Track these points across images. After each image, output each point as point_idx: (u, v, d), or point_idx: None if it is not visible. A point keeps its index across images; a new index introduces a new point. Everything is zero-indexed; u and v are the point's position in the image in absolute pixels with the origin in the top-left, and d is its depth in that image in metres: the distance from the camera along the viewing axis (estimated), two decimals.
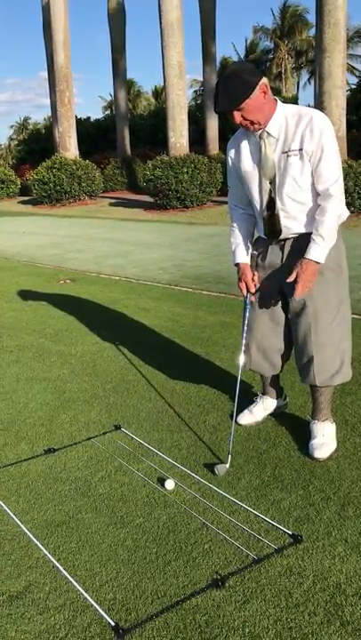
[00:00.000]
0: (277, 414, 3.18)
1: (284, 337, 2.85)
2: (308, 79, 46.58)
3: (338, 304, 2.67)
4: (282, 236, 2.67)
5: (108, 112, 49.94)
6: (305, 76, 47.48)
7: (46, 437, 3.11)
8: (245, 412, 3.13)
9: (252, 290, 2.76)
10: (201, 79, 25.62)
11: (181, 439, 3.00)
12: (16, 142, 55.98)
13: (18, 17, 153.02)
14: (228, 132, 23.80)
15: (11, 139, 68.20)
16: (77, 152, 19.38)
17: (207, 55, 21.93)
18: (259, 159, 2.58)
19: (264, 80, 2.44)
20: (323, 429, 2.81)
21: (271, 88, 2.59)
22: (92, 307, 5.78)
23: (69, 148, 19.00)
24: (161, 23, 14.90)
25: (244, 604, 1.89)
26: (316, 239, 2.51)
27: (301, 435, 2.92)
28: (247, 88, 2.39)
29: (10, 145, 64.60)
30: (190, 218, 13.93)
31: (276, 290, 2.75)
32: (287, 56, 44.77)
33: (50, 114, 26.28)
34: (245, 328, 2.88)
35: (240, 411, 3.13)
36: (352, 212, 11.59)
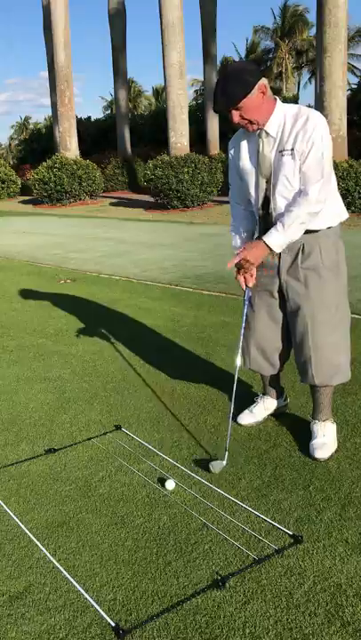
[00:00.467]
0: (278, 414, 3.18)
1: (283, 336, 2.86)
2: (309, 79, 46.57)
3: (335, 304, 2.67)
4: None
5: (108, 112, 49.93)
6: (306, 75, 47.47)
7: (47, 437, 3.11)
8: (246, 412, 3.12)
9: (250, 284, 2.75)
10: (201, 78, 25.61)
11: (182, 439, 3.00)
12: (17, 142, 56.04)
13: (18, 17, 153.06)
14: (228, 131, 23.80)
15: (11, 138, 68.24)
16: (78, 152, 19.37)
17: (208, 55, 21.92)
18: (257, 158, 2.60)
19: (263, 80, 2.44)
20: (323, 429, 2.81)
21: (272, 88, 2.60)
22: (93, 306, 5.78)
23: (70, 147, 18.99)
24: (161, 23, 14.89)
25: (244, 605, 1.88)
26: (277, 225, 2.53)
27: (302, 435, 2.92)
28: (245, 87, 2.40)
29: (10, 145, 64.62)
30: (191, 217, 13.93)
31: (275, 289, 2.76)
32: (288, 56, 44.73)
33: (50, 113, 26.29)
34: (244, 325, 2.89)
35: (241, 411, 3.13)
36: (352, 212, 11.58)
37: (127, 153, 23.08)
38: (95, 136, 29.78)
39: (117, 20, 22.23)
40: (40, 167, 18.67)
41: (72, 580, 2.04)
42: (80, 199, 18.88)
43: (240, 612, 1.86)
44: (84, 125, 28.72)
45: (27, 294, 6.45)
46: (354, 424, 3.05)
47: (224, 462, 2.67)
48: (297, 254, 2.64)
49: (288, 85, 44.66)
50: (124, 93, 23.14)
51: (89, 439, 3.05)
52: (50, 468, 2.80)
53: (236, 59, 42.87)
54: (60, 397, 3.62)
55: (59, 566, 2.11)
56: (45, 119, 54.17)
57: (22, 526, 2.35)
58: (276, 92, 35.74)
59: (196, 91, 45.90)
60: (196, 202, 15.44)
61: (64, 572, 2.08)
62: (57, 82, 18.87)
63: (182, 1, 14.88)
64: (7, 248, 10.29)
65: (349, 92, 23.06)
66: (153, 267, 7.84)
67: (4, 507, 2.48)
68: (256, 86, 2.41)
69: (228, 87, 2.41)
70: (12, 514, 2.43)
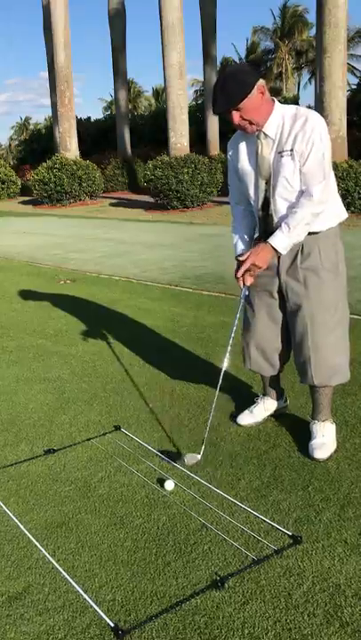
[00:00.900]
0: (277, 415, 3.18)
1: (283, 337, 2.86)
2: (309, 79, 46.56)
3: (334, 305, 2.67)
4: None
5: (108, 112, 49.92)
6: (306, 75, 47.46)
7: (46, 438, 3.11)
8: (246, 412, 3.13)
9: (248, 283, 2.75)
10: (202, 79, 25.61)
11: (181, 440, 3.00)
12: (17, 142, 56.04)
13: (18, 16, 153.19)
14: (228, 132, 23.79)
15: (11, 139, 68.25)
16: (78, 152, 19.37)
17: (208, 55, 21.92)
18: (256, 159, 2.60)
19: (261, 80, 2.45)
20: (323, 430, 2.81)
21: (272, 88, 2.62)
22: (93, 307, 5.78)
23: (70, 148, 18.99)
24: (161, 24, 14.89)
25: (243, 605, 1.88)
26: (282, 227, 2.53)
27: (301, 435, 2.92)
28: (245, 88, 2.40)
29: (11, 145, 64.62)
30: (191, 218, 13.93)
31: (274, 290, 2.76)
32: (288, 56, 44.74)
33: (50, 114, 26.29)
34: (239, 324, 2.87)
35: (240, 411, 3.13)
36: (352, 212, 11.57)
37: (127, 153, 23.08)
38: (95, 136, 29.77)
39: (117, 21, 22.23)
40: (40, 168, 18.66)
41: (71, 580, 2.04)
42: (80, 200, 18.87)
43: (239, 612, 1.86)
44: (83, 126, 28.71)
45: (26, 295, 6.45)
46: (353, 424, 3.05)
47: (198, 456, 2.67)
48: (296, 255, 2.64)
49: (288, 86, 44.66)
50: (123, 94, 23.14)
51: (88, 440, 3.05)
52: (49, 468, 2.80)
53: (236, 59, 42.91)
54: (60, 398, 3.62)
55: (58, 567, 2.11)
56: (45, 119, 54.18)
57: (21, 527, 2.35)
58: (277, 92, 35.73)
59: (196, 91, 45.91)
60: (196, 202, 15.44)
61: (63, 572, 2.08)
62: (57, 82, 18.87)
63: (182, 2, 14.88)
64: (7, 248, 10.29)
65: (349, 92, 23.07)
66: (153, 267, 7.85)
67: (4, 507, 2.48)
68: (255, 86, 2.42)
69: (227, 87, 2.41)
70: (11, 514, 2.43)
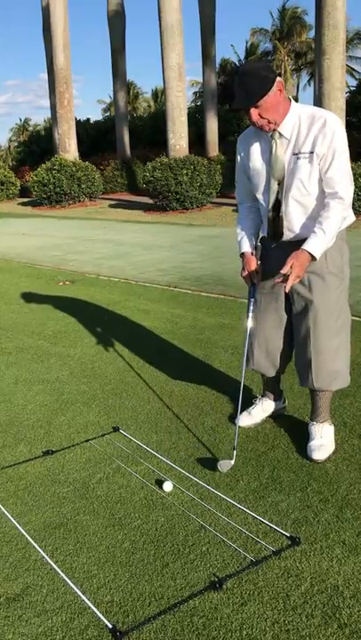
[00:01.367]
0: (276, 416, 3.18)
1: (287, 338, 2.84)
2: (308, 81, 46.59)
3: (338, 310, 2.65)
4: (283, 239, 2.65)
5: (107, 114, 49.96)
6: (305, 77, 47.50)
7: (45, 439, 3.11)
8: (244, 413, 3.12)
9: (255, 280, 2.74)
10: (201, 80, 25.63)
11: (180, 441, 3.00)
12: (16, 144, 56.01)
13: (17, 18, 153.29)
14: (227, 134, 23.83)
15: (11, 140, 68.26)
16: (77, 154, 19.36)
17: (207, 57, 21.94)
18: (269, 159, 2.54)
19: (280, 78, 2.40)
20: (321, 431, 2.81)
21: None
22: (91, 308, 5.78)
23: (69, 149, 18.99)
24: (160, 25, 14.90)
25: (241, 607, 1.89)
26: (317, 232, 2.46)
27: (300, 436, 2.92)
28: (266, 84, 2.35)
29: (10, 146, 64.64)
30: (190, 219, 13.93)
31: (281, 292, 2.73)
32: (287, 58, 44.77)
33: (50, 115, 26.30)
34: (250, 324, 2.84)
35: (239, 412, 3.12)
36: None
37: (126, 155, 23.09)
38: (94, 138, 29.78)
39: (117, 22, 22.24)
40: (39, 169, 18.66)
41: (69, 581, 2.04)
42: (79, 201, 18.88)
43: (237, 613, 1.86)
44: (83, 127, 28.71)
45: (25, 296, 6.45)
46: (352, 426, 3.05)
47: (232, 461, 2.67)
48: None
49: (287, 87, 44.45)
50: (123, 95, 23.15)
51: (87, 441, 3.05)
52: (48, 469, 2.80)
53: (235, 61, 42.93)
54: (59, 399, 3.62)
55: (56, 568, 2.11)
56: (45, 121, 54.30)
57: (20, 528, 2.35)
58: None
59: (195, 92, 45.90)
60: (195, 204, 15.44)
61: (61, 573, 2.08)
62: (56, 84, 18.87)
63: (181, 3, 14.90)
64: (6, 250, 10.29)
65: (348, 94, 23.11)
66: (152, 268, 7.85)
67: (2, 508, 2.48)
68: (275, 83, 2.37)
69: (247, 83, 2.35)
70: (9, 515, 2.43)
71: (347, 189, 2.46)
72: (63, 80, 18.60)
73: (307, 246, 2.46)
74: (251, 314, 2.83)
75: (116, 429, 3.16)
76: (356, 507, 2.37)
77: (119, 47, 22.58)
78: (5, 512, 2.46)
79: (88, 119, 32.64)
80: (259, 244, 2.82)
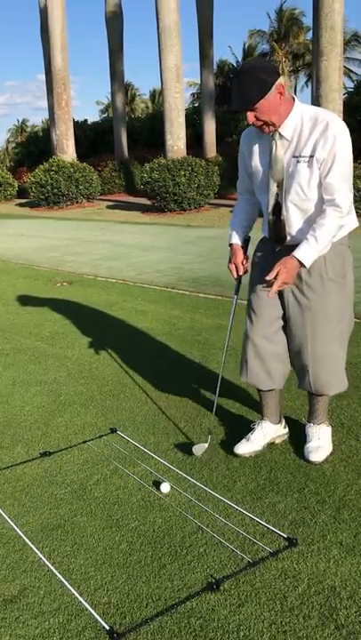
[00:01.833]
0: None
1: (283, 346, 2.73)
2: (306, 82, 46.63)
3: (338, 316, 2.59)
4: (286, 243, 2.58)
5: (105, 115, 49.96)
6: (302, 78, 47.54)
7: (42, 440, 3.10)
8: (243, 441, 2.85)
9: (241, 272, 2.71)
10: (198, 81, 25.63)
11: (177, 442, 3.00)
12: (14, 145, 56.02)
13: (16, 19, 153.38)
14: (225, 135, 23.84)
15: (8, 141, 68.22)
16: (75, 155, 19.36)
17: (204, 58, 21.97)
18: (269, 159, 2.48)
19: (281, 79, 2.31)
20: (318, 432, 2.80)
21: None
22: (89, 309, 5.78)
23: (67, 150, 18.99)
24: (158, 26, 14.92)
25: (238, 608, 1.89)
26: (310, 239, 2.38)
27: (297, 438, 2.92)
28: (262, 88, 2.27)
29: (8, 147, 64.60)
30: (187, 220, 13.94)
31: (276, 297, 2.64)
32: (284, 59, 44.81)
33: (47, 116, 26.29)
34: (231, 323, 2.82)
35: (238, 441, 2.88)
36: None
37: (124, 156, 23.10)
38: (92, 139, 29.78)
39: (114, 23, 22.26)
40: (37, 170, 18.66)
41: (67, 583, 2.04)
42: (77, 202, 18.87)
43: (234, 614, 1.86)
44: (81, 128, 28.73)
45: (23, 297, 6.45)
46: (349, 427, 3.05)
47: (206, 445, 2.65)
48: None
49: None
50: (121, 96, 23.16)
51: (84, 442, 3.05)
52: (45, 471, 2.80)
53: (233, 62, 42.99)
54: (56, 400, 3.62)
55: (53, 569, 2.11)
56: (42, 122, 54.27)
57: (17, 529, 2.35)
58: None
59: (192, 94, 45.95)
60: (193, 205, 15.45)
61: (59, 575, 2.08)
62: (54, 85, 18.87)
63: (179, 5, 14.92)
64: (4, 251, 10.28)
65: (346, 95, 23.12)
66: (149, 269, 7.85)
67: None
68: (273, 86, 2.28)
69: (243, 86, 2.28)
70: (6, 517, 2.43)
71: (345, 197, 2.38)
72: (61, 81, 18.60)
73: (296, 253, 2.39)
74: (233, 309, 2.82)
75: (113, 431, 3.16)
76: (354, 508, 2.37)
77: (117, 48, 22.59)
78: (2, 513, 2.45)
79: (86, 120, 32.66)
80: (249, 236, 2.78)
